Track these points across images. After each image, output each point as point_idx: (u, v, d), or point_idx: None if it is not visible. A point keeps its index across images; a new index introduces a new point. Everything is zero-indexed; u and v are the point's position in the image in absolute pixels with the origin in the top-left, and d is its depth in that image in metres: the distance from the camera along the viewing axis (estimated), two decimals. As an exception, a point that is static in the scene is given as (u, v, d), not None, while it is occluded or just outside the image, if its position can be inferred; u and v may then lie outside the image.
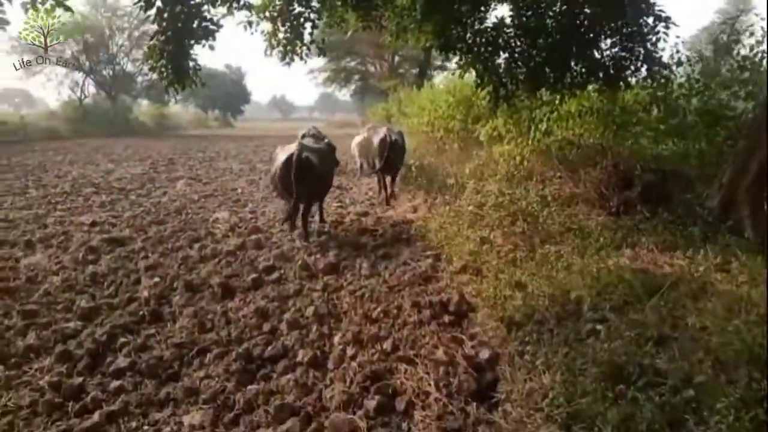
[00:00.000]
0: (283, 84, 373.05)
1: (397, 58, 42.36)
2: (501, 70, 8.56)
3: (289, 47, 7.73)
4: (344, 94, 60.81)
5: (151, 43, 6.24)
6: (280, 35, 7.66)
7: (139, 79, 46.53)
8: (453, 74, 10.83)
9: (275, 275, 6.27)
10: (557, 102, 8.80)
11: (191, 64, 6.26)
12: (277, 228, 8.53)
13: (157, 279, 6.06)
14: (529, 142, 8.70)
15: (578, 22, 7.93)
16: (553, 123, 8.76)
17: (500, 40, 8.25)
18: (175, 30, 6.66)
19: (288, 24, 7.80)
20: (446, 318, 4.90)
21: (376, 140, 10.16)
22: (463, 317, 4.94)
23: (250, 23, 7.44)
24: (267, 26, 7.63)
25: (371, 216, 9.49)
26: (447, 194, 9.21)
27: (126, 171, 15.96)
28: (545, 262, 5.41)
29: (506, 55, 8.49)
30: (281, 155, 7.61)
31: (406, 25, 8.20)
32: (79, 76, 41.03)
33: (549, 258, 5.49)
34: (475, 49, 8.27)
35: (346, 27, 9.20)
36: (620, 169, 6.90)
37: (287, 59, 7.91)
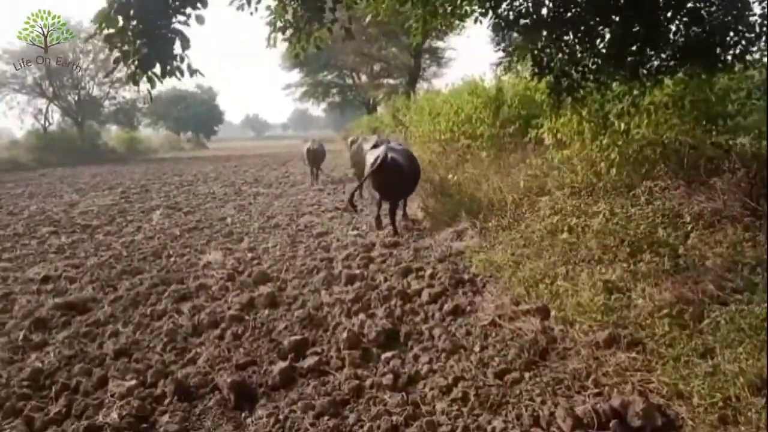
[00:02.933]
0: (255, 102, 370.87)
1: (376, 68, 40.58)
2: (565, 53, 6.69)
3: (302, 31, 5.68)
4: (318, 110, 59.00)
5: (115, 19, 4.14)
6: (288, 16, 5.60)
7: (107, 103, 44.34)
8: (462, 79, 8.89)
9: (311, 359, 4.18)
10: (636, 92, 6.91)
11: (176, 41, 4.19)
12: (291, 272, 6.49)
13: (132, 380, 3.92)
14: (603, 144, 6.78)
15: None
16: (632, 119, 6.86)
17: (566, 13, 6.37)
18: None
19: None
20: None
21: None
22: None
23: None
24: (272, 1, 5.59)
25: (404, 247, 7.49)
26: (500, 215, 7.24)
27: (93, 203, 13.71)
28: None
29: (570, 34, 6.60)
30: (369, 157, 8.11)
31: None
32: (42, 102, 38.65)
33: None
34: (533, 25, 6.37)
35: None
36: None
37: (298, 48, 5.88)
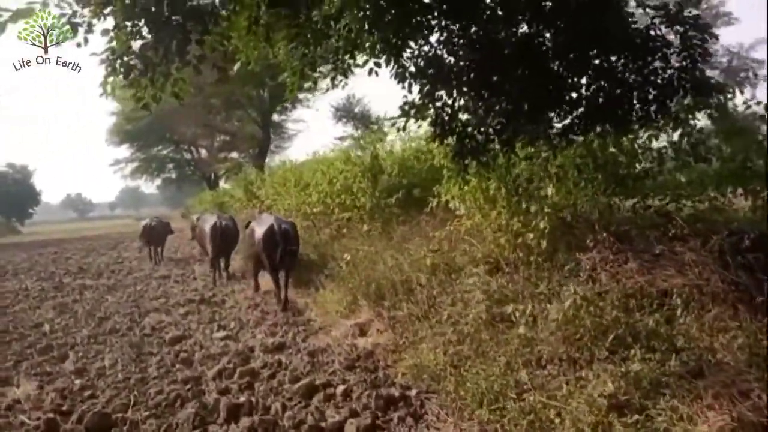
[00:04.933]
0: (77, 180, 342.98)
1: (219, 141, 38.68)
2: (470, 111, 5.87)
3: (156, 71, 4.09)
4: (151, 187, 54.97)
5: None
6: (135, 47, 4.00)
7: None
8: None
9: None
10: (545, 154, 6.22)
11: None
12: (143, 408, 4.60)
13: None
14: (529, 210, 5.89)
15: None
16: (542, 182, 6.11)
17: (470, 65, 5.53)
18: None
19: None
20: None
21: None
22: None
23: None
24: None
25: (293, 349, 5.92)
26: (409, 300, 5.99)
27: None
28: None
29: (474, 90, 5.78)
30: (259, 229, 8.24)
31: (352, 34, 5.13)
32: None
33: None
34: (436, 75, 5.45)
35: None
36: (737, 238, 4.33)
37: (148, 97, 4.26)
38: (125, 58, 4.06)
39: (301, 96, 32.66)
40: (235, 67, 5.48)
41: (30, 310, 9.58)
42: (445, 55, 5.28)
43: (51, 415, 4.48)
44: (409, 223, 8.36)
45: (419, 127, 7.04)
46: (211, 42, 4.20)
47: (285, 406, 4.39)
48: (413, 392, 4.35)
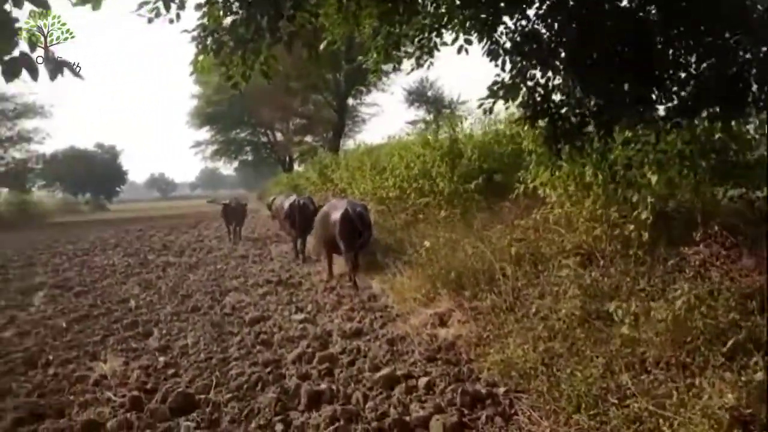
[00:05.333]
0: (161, 161, 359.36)
1: (293, 126, 39.24)
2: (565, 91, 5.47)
3: (247, 48, 3.98)
4: (229, 169, 56.51)
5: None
6: (227, 22, 3.90)
7: (-9, 163, 39.75)
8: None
9: None
10: (645, 139, 5.73)
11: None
12: (225, 390, 4.58)
13: None
14: (630, 199, 5.47)
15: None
16: (644, 169, 5.63)
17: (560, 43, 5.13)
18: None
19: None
20: None
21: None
22: None
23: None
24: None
25: (371, 336, 5.80)
26: (492, 291, 5.72)
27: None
28: None
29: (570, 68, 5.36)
30: (334, 213, 8.27)
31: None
32: None
33: None
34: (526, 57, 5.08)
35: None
36: None
37: (237, 75, 4.17)
38: (216, 35, 3.96)
39: (375, 79, 32.61)
40: (321, 46, 5.33)
41: (116, 285, 9.95)
42: (543, 30, 4.90)
43: (136, 393, 4.53)
44: (490, 209, 8.04)
45: (506, 108, 6.69)
46: (301, 18, 4.05)
47: (366, 396, 4.24)
48: (501, 390, 4.10)
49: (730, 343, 3.46)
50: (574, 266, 5.30)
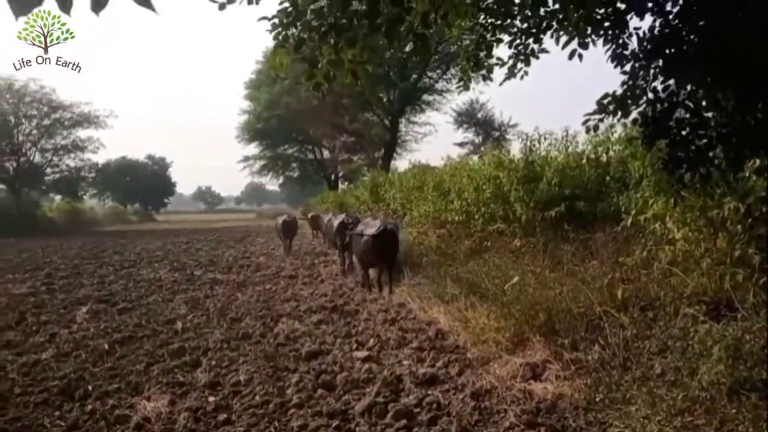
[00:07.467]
0: (208, 174, 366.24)
1: (341, 143, 38.90)
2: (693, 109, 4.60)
3: (340, 37, 3.29)
4: (273, 184, 56.67)
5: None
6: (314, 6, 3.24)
7: (48, 171, 40.64)
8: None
9: None
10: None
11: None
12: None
13: None
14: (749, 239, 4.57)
15: None
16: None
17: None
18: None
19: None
20: None
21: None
22: None
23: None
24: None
25: (449, 385, 4.97)
26: (594, 340, 4.84)
27: (3, 291, 10.71)
28: None
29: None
30: (368, 230, 9.04)
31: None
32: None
33: None
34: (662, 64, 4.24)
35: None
36: None
37: (320, 76, 3.48)
38: (304, 18, 3.26)
39: (430, 98, 32.01)
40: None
41: (163, 302, 9.42)
42: (684, 33, 4.06)
43: (184, 445, 3.83)
44: (577, 241, 7.14)
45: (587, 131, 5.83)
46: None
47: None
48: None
49: None
50: (702, 317, 4.39)
